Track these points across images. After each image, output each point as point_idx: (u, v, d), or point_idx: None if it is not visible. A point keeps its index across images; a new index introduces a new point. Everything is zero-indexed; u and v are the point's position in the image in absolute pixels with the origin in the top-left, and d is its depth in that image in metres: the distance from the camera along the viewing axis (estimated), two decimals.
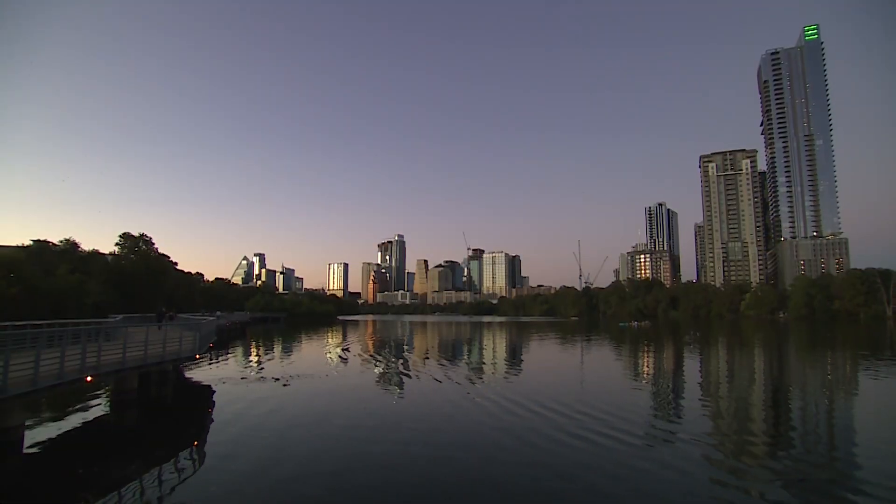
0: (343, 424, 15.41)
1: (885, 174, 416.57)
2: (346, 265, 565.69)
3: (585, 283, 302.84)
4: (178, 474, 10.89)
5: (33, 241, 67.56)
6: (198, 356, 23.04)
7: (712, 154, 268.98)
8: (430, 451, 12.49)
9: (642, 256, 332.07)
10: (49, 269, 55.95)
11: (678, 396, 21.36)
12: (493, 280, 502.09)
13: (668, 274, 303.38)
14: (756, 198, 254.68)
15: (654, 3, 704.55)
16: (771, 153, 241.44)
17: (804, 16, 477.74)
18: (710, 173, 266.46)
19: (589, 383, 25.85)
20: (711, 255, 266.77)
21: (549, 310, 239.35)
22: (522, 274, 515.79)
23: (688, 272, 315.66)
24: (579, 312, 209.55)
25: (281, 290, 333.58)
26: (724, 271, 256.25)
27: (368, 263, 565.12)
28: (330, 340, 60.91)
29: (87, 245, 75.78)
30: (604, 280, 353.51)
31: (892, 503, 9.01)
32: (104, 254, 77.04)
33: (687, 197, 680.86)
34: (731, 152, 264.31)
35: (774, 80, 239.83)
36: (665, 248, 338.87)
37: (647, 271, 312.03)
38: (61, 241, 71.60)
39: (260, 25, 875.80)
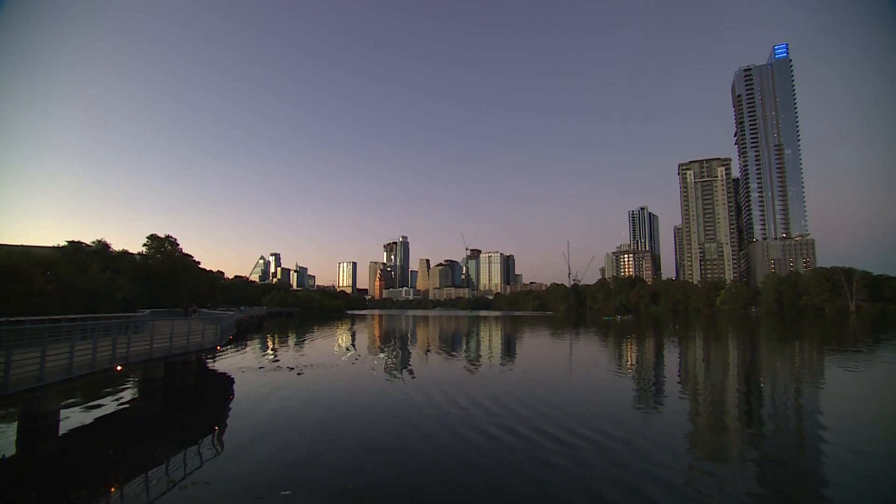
0: (352, 410, 15.40)
1: (849, 180, 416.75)
2: (354, 264, 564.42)
3: (574, 280, 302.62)
4: (201, 456, 10.89)
5: (68, 242, 67.36)
6: (219, 347, 23.07)
7: (690, 162, 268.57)
8: (430, 435, 12.46)
9: (626, 256, 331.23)
10: (82, 267, 55.87)
11: (658, 384, 21.33)
12: (490, 278, 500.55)
13: (649, 272, 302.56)
14: (730, 202, 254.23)
15: (637, 26, 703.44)
16: (744, 161, 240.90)
17: (775, 35, 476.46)
18: (688, 180, 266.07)
19: (577, 370, 25.81)
20: (689, 254, 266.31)
21: (540, 305, 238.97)
22: (516, 272, 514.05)
23: (667, 270, 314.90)
24: (568, 307, 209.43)
25: (295, 286, 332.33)
26: (700, 270, 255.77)
27: (375, 262, 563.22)
28: (340, 333, 60.86)
29: (117, 245, 75.57)
30: (590, 278, 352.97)
31: (854, 482, 9.03)
32: (133, 253, 76.84)
33: (667, 201, 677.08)
34: (707, 160, 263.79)
35: (747, 95, 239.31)
36: (647, 249, 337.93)
37: (631, 269, 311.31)
38: (93, 242, 71.42)
39: (272, 39, 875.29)
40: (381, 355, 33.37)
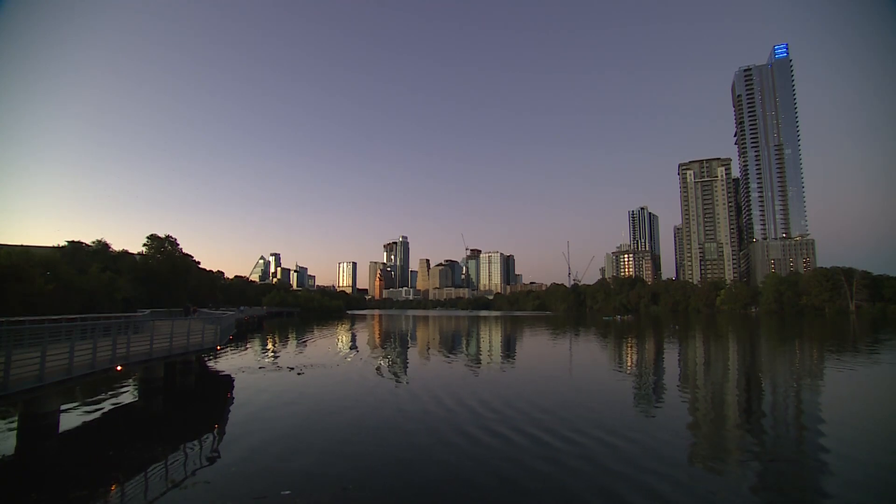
0: (351, 410, 15.39)
1: (849, 180, 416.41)
2: (354, 264, 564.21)
3: (574, 280, 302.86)
4: (201, 456, 10.89)
5: (68, 242, 67.46)
6: (219, 347, 23.06)
7: (690, 162, 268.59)
8: (430, 435, 12.45)
9: (626, 256, 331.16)
10: (83, 267, 55.89)
11: (658, 384, 21.33)
12: (490, 278, 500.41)
13: (649, 272, 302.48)
14: (730, 202, 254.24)
15: (637, 26, 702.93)
16: (744, 161, 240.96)
17: (775, 35, 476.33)
18: (688, 180, 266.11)
19: (576, 371, 25.80)
20: (689, 254, 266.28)
21: (540, 305, 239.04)
22: (516, 272, 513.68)
23: (667, 270, 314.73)
24: (568, 307, 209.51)
25: (295, 286, 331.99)
26: (700, 270, 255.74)
27: (375, 262, 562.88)
28: (340, 333, 60.86)
29: (117, 245, 75.70)
30: (590, 278, 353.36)
31: (855, 482, 9.03)
32: (133, 253, 76.90)
33: (667, 201, 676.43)
34: (707, 160, 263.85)
35: (747, 95, 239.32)
36: (647, 249, 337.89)
37: (631, 270, 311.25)
38: (94, 242, 71.51)
39: (272, 39, 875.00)
40: (381, 356, 33.36)
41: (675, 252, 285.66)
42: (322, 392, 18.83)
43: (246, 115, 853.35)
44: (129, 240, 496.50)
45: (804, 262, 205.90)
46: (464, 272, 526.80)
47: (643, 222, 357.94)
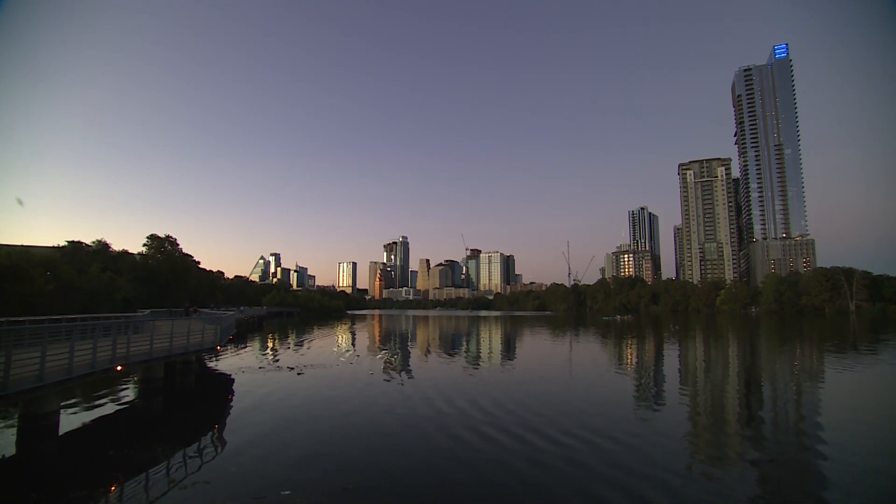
0: (351, 410, 15.40)
1: (849, 180, 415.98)
2: (354, 264, 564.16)
3: (574, 280, 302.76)
4: (201, 456, 10.90)
5: (68, 242, 67.44)
6: (219, 347, 23.06)
7: (690, 162, 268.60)
8: (429, 435, 12.45)
9: (626, 256, 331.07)
10: (83, 267, 55.88)
11: (658, 384, 21.33)
12: (490, 278, 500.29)
13: (649, 272, 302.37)
14: (730, 202, 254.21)
15: (637, 26, 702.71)
16: (744, 161, 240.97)
17: (775, 35, 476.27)
18: (689, 180, 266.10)
19: (576, 371, 25.81)
20: (689, 254, 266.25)
21: (540, 305, 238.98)
22: (516, 272, 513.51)
23: (667, 270, 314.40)
24: (568, 307, 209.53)
25: (295, 286, 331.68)
26: (700, 270, 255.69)
27: (375, 262, 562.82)
28: (339, 333, 60.85)
29: (117, 245, 75.65)
30: (590, 278, 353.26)
31: (854, 482, 9.02)
32: (133, 253, 76.87)
33: (667, 201, 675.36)
34: (707, 160, 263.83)
35: (747, 95, 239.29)
36: (647, 249, 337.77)
37: (631, 269, 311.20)
38: (93, 242, 71.49)
39: (272, 39, 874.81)
40: (381, 356, 33.37)
41: (675, 252, 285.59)
42: (322, 392, 18.84)
43: (246, 115, 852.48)
44: (129, 240, 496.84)
45: (804, 262, 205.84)
46: (464, 272, 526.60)
47: (643, 222, 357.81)
